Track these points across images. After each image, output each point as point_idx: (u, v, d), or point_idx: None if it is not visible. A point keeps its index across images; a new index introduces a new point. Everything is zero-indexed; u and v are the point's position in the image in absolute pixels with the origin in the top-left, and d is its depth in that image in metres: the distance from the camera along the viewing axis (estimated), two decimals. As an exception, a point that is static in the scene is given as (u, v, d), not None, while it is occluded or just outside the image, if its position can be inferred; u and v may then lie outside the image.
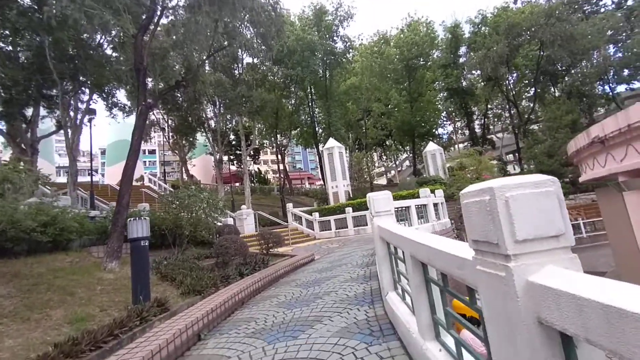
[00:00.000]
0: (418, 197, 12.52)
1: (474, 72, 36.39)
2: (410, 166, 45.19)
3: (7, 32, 14.39)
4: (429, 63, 35.23)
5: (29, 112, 17.49)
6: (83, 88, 17.35)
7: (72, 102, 17.24)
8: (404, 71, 33.38)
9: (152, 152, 61.36)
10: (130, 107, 19.29)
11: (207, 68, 23.69)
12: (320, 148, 27.62)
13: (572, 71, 29.98)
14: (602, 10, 30.93)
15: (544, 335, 1.00)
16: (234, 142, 37.65)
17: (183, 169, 32.57)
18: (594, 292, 0.80)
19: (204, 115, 26.79)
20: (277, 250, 10.20)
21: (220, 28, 11.69)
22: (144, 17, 9.14)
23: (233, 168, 41.08)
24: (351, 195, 20.28)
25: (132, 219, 4.97)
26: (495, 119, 41.23)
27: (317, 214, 17.53)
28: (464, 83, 37.65)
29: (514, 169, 38.13)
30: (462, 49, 37.46)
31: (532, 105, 33.46)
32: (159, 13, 9.12)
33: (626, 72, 29.94)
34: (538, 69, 29.48)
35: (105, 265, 6.62)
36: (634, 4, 28.70)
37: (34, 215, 6.28)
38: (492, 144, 40.65)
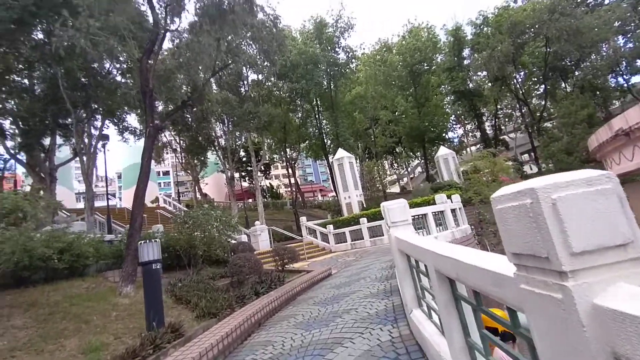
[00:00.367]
0: (434, 203, 12.17)
1: (479, 73, 36.02)
2: (423, 172, 44.55)
3: (21, 66, 15.02)
4: (433, 67, 35.11)
5: (47, 141, 18.13)
6: (95, 115, 17.91)
7: (85, 129, 17.78)
8: (409, 77, 33.32)
9: (166, 173, 62.64)
10: (141, 131, 19.77)
11: (214, 87, 24.26)
12: (330, 159, 27.57)
13: (582, 65, 29.27)
14: (607, 2, 30.34)
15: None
16: (244, 159, 38.03)
17: (196, 188, 32.96)
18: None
19: (214, 134, 27.22)
20: (292, 266, 10.00)
21: (223, 47, 11.91)
22: (147, 41, 9.36)
23: (245, 184, 41.36)
24: (365, 205, 19.98)
25: (142, 242, 4.90)
26: (507, 119, 40.44)
27: (331, 226, 17.27)
28: (471, 85, 37.26)
29: (531, 169, 37.07)
30: (466, 51, 37.24)
31: (543, 102, 32.72)
32: (162, 36, 9.34)
33: (639, 62, 29.06)
34: (546, 65, 28.93)
35: (121, 290, 6.56)
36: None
37: (49, 243, 6.30)
38: (505, 145, 39.75)
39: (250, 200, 38.91)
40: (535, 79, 34.13)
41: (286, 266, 9.62)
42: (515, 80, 32.69)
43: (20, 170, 22.70)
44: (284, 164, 37.59)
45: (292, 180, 35.55)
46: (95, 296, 6.17)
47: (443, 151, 26.06)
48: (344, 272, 8.72)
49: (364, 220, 15.80)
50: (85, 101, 16.93)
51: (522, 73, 33.53)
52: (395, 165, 51.94)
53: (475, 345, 1.86)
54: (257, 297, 6.58)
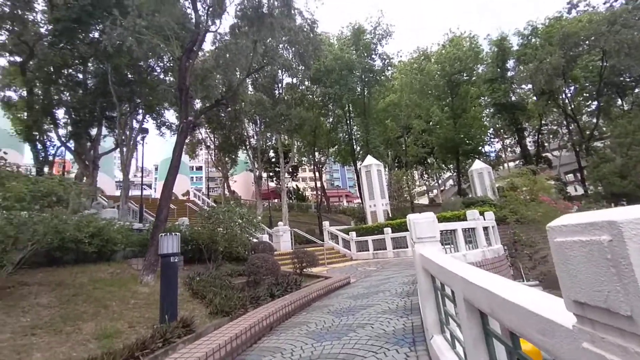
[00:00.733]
0: (464, 219, 11.48)
1: (524, 86, 34.05)
2: (454, 185, 42.77)
3: (76, 61, 16.22)
4: (473, 78, 33.67)
5: (93, 131, 19.48)
6: (137, 109, 18.95)
7: (128, 122, 18.86)
8: (446, 87, 32.20)
9: (199, 168, 65.32)
10: (177, 126, 20.69)
11: (250, 89, 24.92)
12: (358, 165, 27.19)
13: (645, 81, 26.72)
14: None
15: None
16: (273, 159, 38.62)
17: (225, 185, 33.90)
18: None
19: (245, 134, 27.88)
20: (311, 271, 9.82)
21: (260, 49, 12.10)
22: (188, 41, 9.69)
23: (272, 185, 41.97)
24: (390, 215, 19.40)
25: (162, 234, 4.95)
26: (551, 136, 37.80)
27: (354, 233, 16.93)
28: (513, 98, 35.27)
29: (576, 190, 34.35)
30: (510, 62, 35.40)
31: (594, 120, 30.20)
32: (202, 36, 9.62)
33: None
34: (601, 80, 26.69)
35: (142, 279, 6.73)
36: None
37: (80, 227, 6.60)
38: (548, 163, 37.11)
39: (275, 200, 39.33)
40: (587, 95, 31.65)
41: (305, 270, 9.46)
42: (564, 95, 30.49)
43: (69, 156, 24.52)
44: (312, 167, 37.65)
45: (319, 184, 35.51)
46: (117, 282, 6.36)
47: (478, 165, 24.79)
48: (363, 282, 8.40)
49: (388, 230, 15.31)
50: (130, 96, 18.01)
51: (572, 88, 31.24)
52: (426, 176, 50.36)
53: (508, 395, 1.56)
54: (272, 299, 6.47)
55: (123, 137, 18.70)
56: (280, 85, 26.47)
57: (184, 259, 9.05)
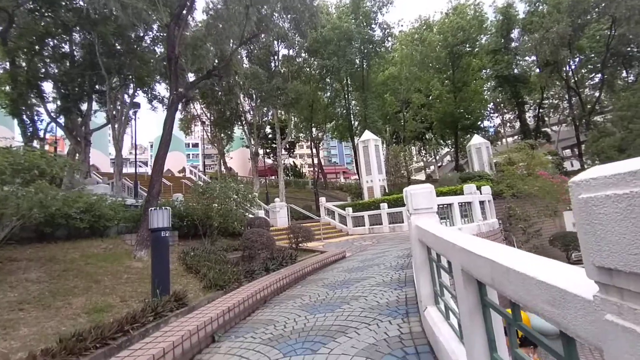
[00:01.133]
0: (461, 193, 11.41)
1: (527, 57, 33.00)
2: (452, 161, 42.57)
3: (60, 30, 15.40)
4: (475, 49, 32.49)
5: (84, 106, 18.89)
6: (127, 82, 18.28)
7: (118, 96, 18.25)
8: (448, 59, 31.11)
9: (195, 145, 64.56)
10: (169, 99, 20.13)
11: (245, 62, 24.00)
12: (356, 141, 26.83)
13: (652, 52, 25.87)
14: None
15: None
16: (269, 135, 38.08)
17: (221, 162, 33.60)
18: None
19: (241, 109, 27.23)
20: (307, 245, 9.83)
21: (253, 16, 11.44)
22: (177, 6, 9.09)
23: (269, 161, 41.67)
24: (387, 191, 19.36)
25: (152, 209, 4.80)
26: (552, 110, 37.19)
27: (350, 209, 16.94)
28: (516, 70, 34.30)
29: (572, 165, 34.28)
30: (515, 32, 34.06)
31: (596, 93, 29.57)
32: (191, 1, 9.02)
33: None
34: (607, 50, 25.80)
35: (135, 254, 6.67)
36: None
37: (67, 202, 6.43)
38: (547, 137, 36.81)
39: (273, 177, 39.19)
40: (591, 67, 30.76)
41: (300, 245, 9.46)
42: (567, 67, 29.63)
43: (60, 133, 23.98)
44: (309, 143, 37.22)
45: (316, 160, 35.26)
46: (110, 257, 6.30)
47: (477, 140, 24.47)
48: (358, 256, 8.42)
49: (384, 205, 15.30)
50: (119, 68, 17.29)
51: (577, 59, 30.30)
52: (423, 152, 50.06)
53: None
54: (267, 273, 6.46)
55: (114, 112, 18.17)
56: (276, 57, 25.51)
57: (179, 234, 9.00)
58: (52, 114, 18.06)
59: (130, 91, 19.09)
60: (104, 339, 3.16)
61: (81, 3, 15.05)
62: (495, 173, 21.53)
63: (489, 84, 35.72)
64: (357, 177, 33.45)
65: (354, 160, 36.99)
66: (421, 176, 49.77)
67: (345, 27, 24.70)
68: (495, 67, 32.92)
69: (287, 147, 43.00)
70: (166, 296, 4.41)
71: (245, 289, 5.19)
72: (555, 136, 38.03)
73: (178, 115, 33.32)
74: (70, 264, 5.50)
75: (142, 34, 17.07)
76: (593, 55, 29.05)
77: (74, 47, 17.59)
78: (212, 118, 30.18)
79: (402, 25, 34.46)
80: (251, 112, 27.09)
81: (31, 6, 14.21)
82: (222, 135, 31.05)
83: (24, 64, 16.39)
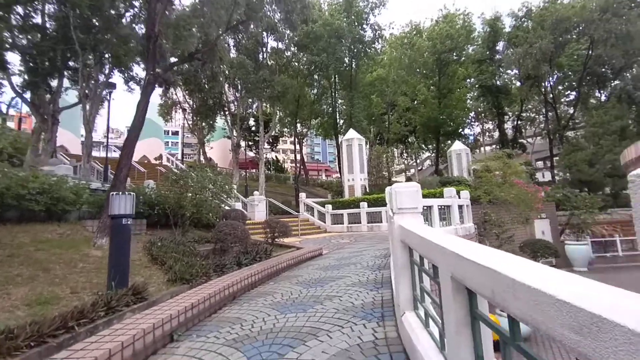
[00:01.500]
0: (440, 196, 11.47)
1: (509, 71, 34.06)
2: (432, 165, 43.42)
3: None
4: (462, 58, 33.19)
5: (54, 83, 17.62)
6: (103, 61, 17.22)
7: (93, 74, 17.16)
8: (435, 65, 31.56)
9: (175, 133, 62.36)
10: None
11: (232, 52, 23.21)
12: (340, 140, 26.70)
13: (624, 74, 27.24)
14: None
15: None
16: (253, 128, 37.31)
17: (201, 151, 32.57)
18: None
19: (225, 98, 26.42)
20: (283, 241, 9.55)
21: (243, 1, 10.98)
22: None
23: (251, 154, 40.84)
24: (367, 190, 19.33)
25: (114, 193, 4.37)
26: (529, 123, 38.62)
27: (330, 206, 16.77)
28: (499, 82, 35.35)
29: (543, 177, 35.75)
30: (500, 45, 35.05)
31: (570, 110, 30.92)
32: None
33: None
34: (584, 69, 26.98)
35: (95, 241, 6.16)
36: None
37: (25, 182, 5.85)
38: (523, 148, 38.22)
39: (254, 170, 38.47)
40: (568, 84, 32.13)
41: (277, 240, 9.17)
42: (547, 82, 30.79)
43: (25, 109, 22.37)
44: (293, 138, 36.77)
45: (298, 156, 34.90)
46: (66, 243, 5.77)
47: (458, 146, 24.95)
48: (335, 254, 8.23)
49: (364, 204, 15.23)
50: (94, 45, 16.22)
51: (555, 76, 31.56)
52: (405, 155, 50.78)
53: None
54: (239, 267, 6.13)
55: (87, 91, 17.06)
56: (264, 49, 24.90)
57: (148, 223, 8.49)
58: (17, 88, 16.75)
59: (106, 70, 17.99)
60: (41, 336, 2.76)
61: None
62: (473, 179, 22.02)
63: (472, 93, 36.62)
64: (338, 175, 33.41)
65: (337, 158, 36.92)
66: (401, 178, 50.42)
67: (336, 25, 24.46)
68: (480, 76, 33.75)
69: (270, 140, 42.33)
70: (123, 289, 4.01)
71: (214, 284, 4.86)
72: (530, 148, 39.53)
73: (158, 101, 31.93)
74: (17, 249, 4.96)
75: (122, 11, 16.09)
76: (570, 73, 30.34)
77: (46, 19, 16.36)
78: (194, 106, 29.13)
79: (392, 28, 34.70)
80: (235, 103, 26.36)
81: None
82: (204, 124, 30.08)
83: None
